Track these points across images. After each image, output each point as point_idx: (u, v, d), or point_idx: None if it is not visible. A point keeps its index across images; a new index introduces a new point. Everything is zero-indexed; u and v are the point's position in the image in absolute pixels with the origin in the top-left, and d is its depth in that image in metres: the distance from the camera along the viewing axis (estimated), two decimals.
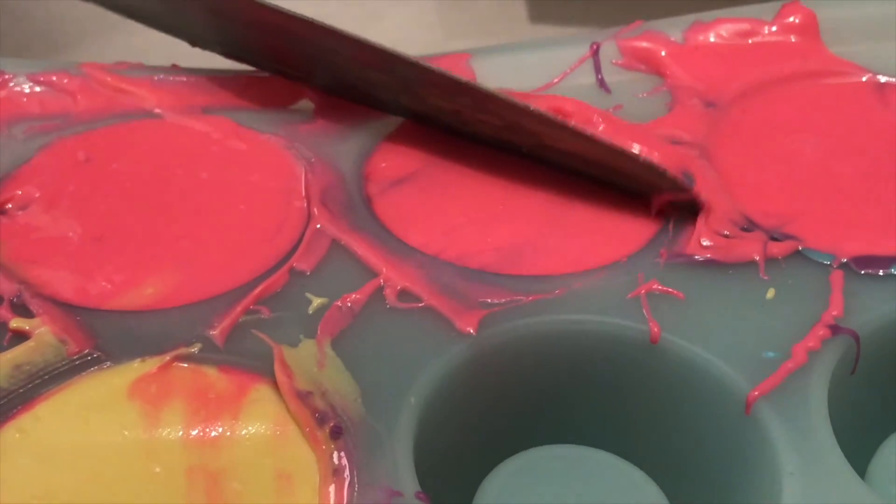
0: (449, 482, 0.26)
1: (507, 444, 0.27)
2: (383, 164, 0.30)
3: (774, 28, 0.34)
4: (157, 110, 0.32)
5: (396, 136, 0.31)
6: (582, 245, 0.28)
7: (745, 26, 0.34)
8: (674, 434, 0.27)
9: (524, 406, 0.27)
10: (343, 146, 0.31)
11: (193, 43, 0.33)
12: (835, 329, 0.26)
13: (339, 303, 0.26)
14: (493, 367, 0.26)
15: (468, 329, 0.26)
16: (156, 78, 0.32)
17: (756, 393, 0.25)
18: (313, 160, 0.30)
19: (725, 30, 0.34)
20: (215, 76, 0.33)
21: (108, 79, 0.32)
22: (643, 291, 0.27)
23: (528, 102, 0.29)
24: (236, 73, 0.33)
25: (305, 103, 0.32)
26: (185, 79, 0.33)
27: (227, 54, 0.33)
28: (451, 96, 0.30)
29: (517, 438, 0.27)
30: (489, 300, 0.27)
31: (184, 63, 0.33)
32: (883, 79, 0.33)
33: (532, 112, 0.29)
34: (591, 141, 0.29)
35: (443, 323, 0.26)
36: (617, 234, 0.29)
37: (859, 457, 0.27)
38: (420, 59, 0.30)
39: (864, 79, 0.33)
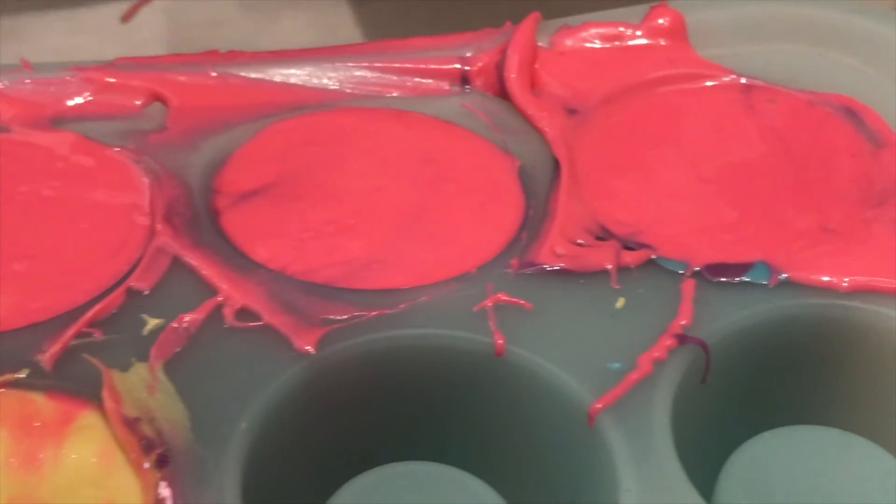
0: None
1: (353, 465, 0.26)
2: (235, 177, 0.30)
3: (642, 32, 0.34)
4: (5, 124, 0.31)
5: (251, 147, 0.31)
6: (432, 257, 0.28)
7: (612, 30, 0.34)
8: (521, 448, 0.26)
9: (369, 425, 0.26)
10: (193, 158, 0.30)
11: None
12: (682, 338, 0.26)
13: (174, 323, 0.26)
14: (334, 386, 0.25)
15: (306, 347, 0.25)
16: (2, 86, 0.31)
17: (599, 405, 0.25)
18: (160, 174, 0.29)
19: (593, 34, 0.34)
20: (67, 78, 0.32)
21: None
22: (490, 303, 0.27)
23: None
24: (87, 74, 0.32)
25: (158, 106, 0.32)
26: (34, 85, 0.32)
27: None
28: None
29: (363, 458, 0.26)
30: (331, 317, 0.26)
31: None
32: (744, 80, 0.33)
33: None
34: None
35: (281, 342, 0.25)
36: (469, 245, 0.28)
37: (712, 467, 0.27)
38: None
39: (730, 81, 0.33)
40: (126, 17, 0.49)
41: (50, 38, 0.49)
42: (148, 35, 0.49)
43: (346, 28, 0.49)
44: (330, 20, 0.49)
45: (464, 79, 0.33)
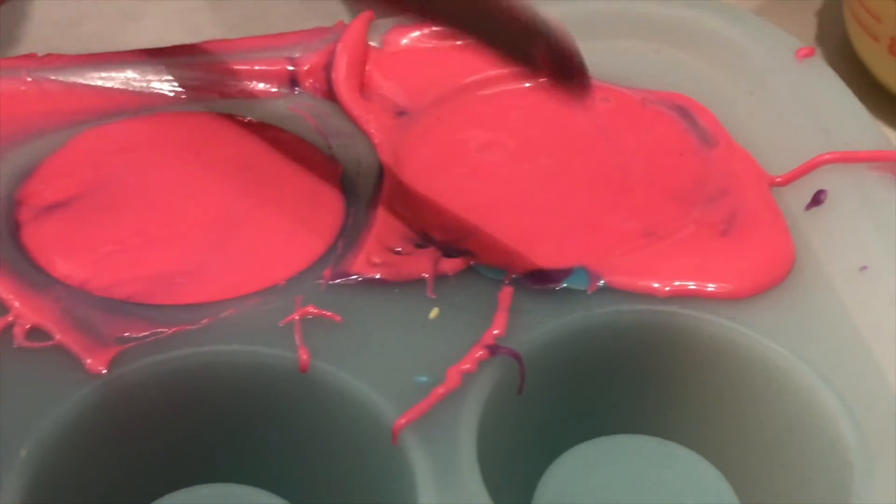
0: None
1: (152, 489, 0.25)
2: (41, 187, 0.28)
3: None
4: None
5: (62, 156, 0.29)
6: (242, 269, 0.27)
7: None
8: (326, 466, 0.25)
9: (168, 447, 0.25)
10: None
11: None
12: (494, 349, 0.25)
13: None
14: (129, 408, 0.24)
15: (99, 368, 0.24)
16: None
17: (402, 421, 0.24)
18: None
19: (427, 33, 0.33)
20: None
21: None
22: (297, 317, 0.26)
23: None
24: None
25: None
26: None
27: None
28: None
29: (163, 482, 0.25)
30: (127, 334, 0.25)
31: None
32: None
33: None
34: None
35: (73, 362, 0.24)
36: (282, 255, 0.27)
37: (532, 479, 0.26)
38: None
39: None
40: None
41: None
42: (4, 35, 0.48)
43: (212, 26, 0.48)
44: (195, 18, 0.48)
45: (292, 80, 0.32)
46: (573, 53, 0.24)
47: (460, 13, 0.25)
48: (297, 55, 0.32)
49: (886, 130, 0.39)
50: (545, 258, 0.27)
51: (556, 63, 0.24)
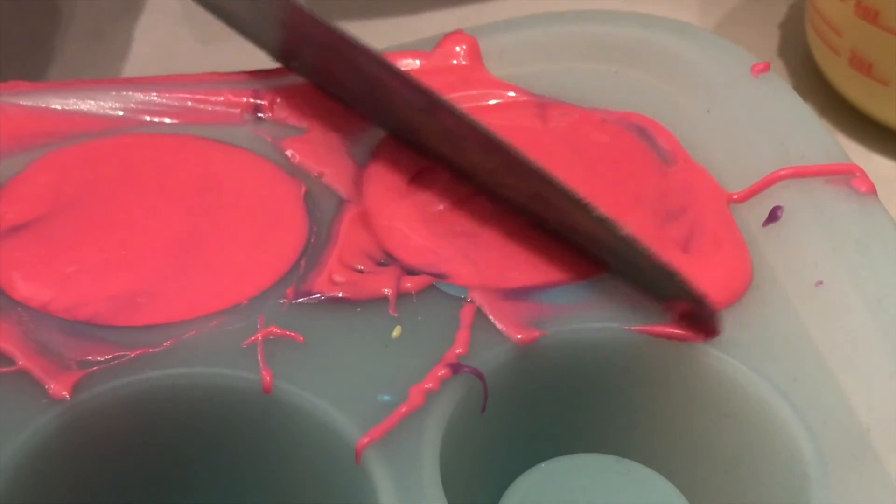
0: None
1: None
2: (2, 210, 0.28)
3: (436, 58, 0.33)
4: None
5: (23, 178, 0.29)
6: (204, 289, 0.27)
7: (407, 60, 0.33)
8: (292, 488, 0.26)
9: (134, 472, 0.25)
10: None
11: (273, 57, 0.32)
12: (456, 367, 0.26)
13: None
14: (93, 433, 0.24)
15: (62, 393, 0.24)
16: None
17: (365, 440, 0.24)
18: None
19: None
20: None
21: None
22: (260, 337, 0.26)
23: (554, 176, 0.27)
24: None
25: None
26: None
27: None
28: (486, 152, 0.28)
29: None
30: (89, 358, 0.25)
31: None
32: (525, 98, 0.32)
33: (555, 185, 0.27)
34: (613, 229, 0.26)
35: (35, 388, 0.24)
36: (244, 274, 0.27)
37: (494, 499, 0.27)
38: (459, 108, 0.28)
39: (523, 100, 0.33)
40: None
41: None
42: None
43: (185, 41, 0.47)
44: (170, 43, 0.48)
45: (256, 109, 0.32)
46: (713, 315, 0.26)
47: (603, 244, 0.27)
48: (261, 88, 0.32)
49: (849, 143, 0.40)
50: (506, 277, 0.27)
51: (693, 319, 0.26)
